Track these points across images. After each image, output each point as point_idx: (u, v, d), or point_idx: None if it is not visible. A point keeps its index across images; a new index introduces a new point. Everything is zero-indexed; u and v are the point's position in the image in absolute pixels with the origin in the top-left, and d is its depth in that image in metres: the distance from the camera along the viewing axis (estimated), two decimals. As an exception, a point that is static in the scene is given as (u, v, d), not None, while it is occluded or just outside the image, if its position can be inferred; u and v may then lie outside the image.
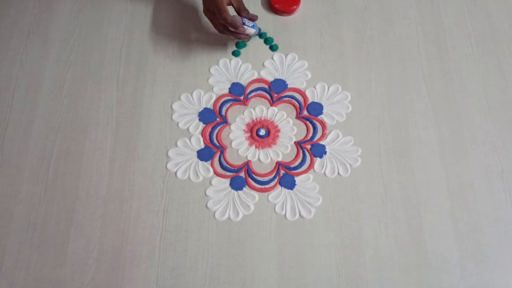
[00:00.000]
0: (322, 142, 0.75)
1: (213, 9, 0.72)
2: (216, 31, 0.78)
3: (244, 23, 0.74)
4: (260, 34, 0.83)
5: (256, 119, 0.77)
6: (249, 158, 0.74)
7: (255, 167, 0.74)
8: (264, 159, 0.74)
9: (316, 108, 0.77)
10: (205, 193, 0.72)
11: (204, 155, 0.74)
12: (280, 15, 0.85)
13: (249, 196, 0.71)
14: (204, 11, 0.76)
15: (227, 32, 0.75)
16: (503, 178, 0.73)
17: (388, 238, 0.69)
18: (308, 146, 0.75)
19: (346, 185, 0.72)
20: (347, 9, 0.86)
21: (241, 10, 0.76)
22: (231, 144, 0.75)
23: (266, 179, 0.73)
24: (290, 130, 0.76)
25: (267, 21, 0.84)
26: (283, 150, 0.75)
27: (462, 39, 0.83)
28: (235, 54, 0.81)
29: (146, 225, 0.70)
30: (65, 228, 0.69)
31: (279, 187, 0.72)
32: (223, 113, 0.77)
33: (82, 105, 0.78)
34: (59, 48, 0.82)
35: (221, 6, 0.71)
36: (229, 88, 0.79)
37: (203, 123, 0.77)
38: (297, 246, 0.69)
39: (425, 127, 0.76)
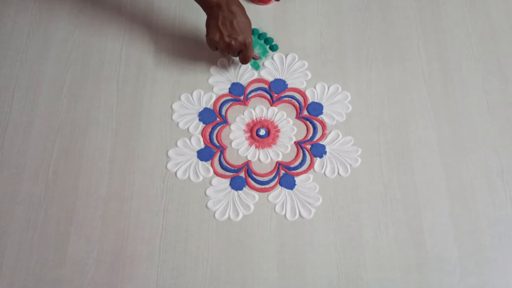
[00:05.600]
0: (322, 142, 0.75)
1: (239, 44, 0.71)
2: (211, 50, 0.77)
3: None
4: (260, 34, 0.83)
5: (256, 119, 0.77)
6: (249, 158, 0.74)
7: (255, 167, 0.74)
8: (264, 159, 0.74)
9: (316, 108, 0.78)
10: (205, 193, 0.72)
11: (204, 155, 0.74)
12: (256, 3, 0.85)
13: (249, 196, 0.71)
14: (215, 37, 0.70)
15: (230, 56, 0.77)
16: (503, 178, 0.73)
17: (388, 238, 0.69)
18: (308, 146, 0.75)
19: (346, 185, 0.72)
20: (347, 9, 0.86)
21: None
22: (231, 144, 0.75)
23: (266, 179, 0.73)
24: (290, 130, 0.76)
25: (267, 20, 0.84)
26: (283, 150, 0.75)
27: (462, 39, 0.83)
28: (235, 54, 0.82)
29: (146, 225, 0.70)
30: (65, 228, 0.69)
31: (279, 187, 0.72)
32: (223, 113, 0.77)
33: (82, 105, 0.78)
34: (59, 48, 0.82)
35: (251, 43, 0.72)
36: (229, 88, 0.79)
37: (203, 123, 0.77)
38: (297, 246, 0.69)
39: (425, 127, 0.76)
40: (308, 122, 0.77)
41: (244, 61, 0.75)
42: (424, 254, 0.68)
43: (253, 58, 0.78)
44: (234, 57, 0.79)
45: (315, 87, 0.79)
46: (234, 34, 0.70)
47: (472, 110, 0.78)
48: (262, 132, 0.76)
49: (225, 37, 0.70)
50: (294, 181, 0.72)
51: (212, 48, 0.74)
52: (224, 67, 0.80)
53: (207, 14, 0.72)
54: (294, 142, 0.75)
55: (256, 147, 0.75)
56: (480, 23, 0.85)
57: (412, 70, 0.81)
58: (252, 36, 0.73)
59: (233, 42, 0.70)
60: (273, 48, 0.82)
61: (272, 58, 0.81)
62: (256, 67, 0.80)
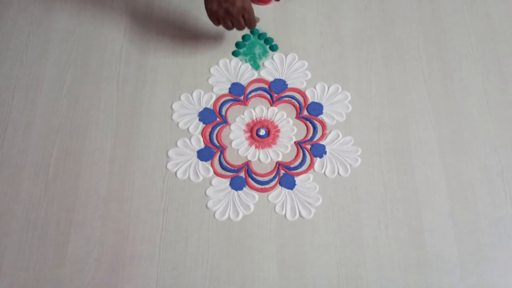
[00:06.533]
0: (322, 142, 0.75)
1: (238, 9, 0.70)
2: (213, 25, 0.75)
3: None
4: (260, 34, 0.83)
5: (256, 119, 0.77)
6: (249, 158, 0.74)
7: (255, 167, 0.74)
8: (264, 159, 0.74)
9: (316, 108, 0.78)
10: (205, 193, 0.72)
11: (204, 155, 0.74)
12: (256, 3, 0.85)
13: (249, 196, 0.71)
14: (213, 7, 0.71)
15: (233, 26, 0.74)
16: (503, 178, 0.73)
17: (388, 238, 0.69)
18: (308, 146, 0.75)
19: (346, 185, 0.72)
20: (347, 9, 0.86)
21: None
22: (231, 144, 0.75)
23: (266, 179, 0.73)
24: (290, 130, 0.76)
25: (267, 20, 0.84)
26: (283, 150, 0.75)
27: (462, 39, 0.83)
28: (235, 54, 0.81)
29: (146, 225, 0.70)
30: (65, 228, 0.69)
31: (279, 187, 0.72)
32: (223, 113, 0.77)
33: (82, 105, 0.78)
34: (59, 48, 0.82)
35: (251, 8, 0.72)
36: (229, 88, 0.79)
37: (203, 123, 0.77)
38: (297, 246, 0.69)
39: (425, 127, 0.76)
40: (308, 122, 0.77)
41: (250, 25, 0.74)
42: (424, 254, 0.68)
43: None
44: (239, 29, 0.76)
45: (315, 87, 0.79)
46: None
47: (472, 110, 0.78)
48: (262, 132, 0.76)
49: (222, 3, 0.69)
50: (294, 181, 0.72)
51: (214, 21, 0.73)
52: (224, 67, 0.80)
53: None
54: (294, 142, 0.75)
55: (256, 147, 0.75)
56: (480, 23, 0.85)
57: (412, 70, 0.81)
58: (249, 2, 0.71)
59: (230, 8, 0.70)
60: (273, 48, 0.82)
61: (272, 58, 0.81)
62: (256, 67, 0.80)
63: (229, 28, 0.73)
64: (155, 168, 0.73)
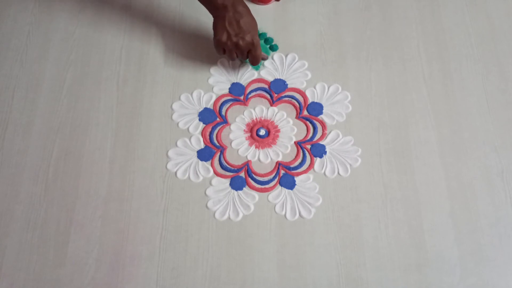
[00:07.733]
0: (322, 142, 0.75)
1: (246, 44, 0.71)
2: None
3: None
4: (260, 34, 0.83)
5: (256, 119, 0.77)
6: (249, 158, 0.74)
7: (255, 167, 0.74)
8: (264, 159, 0.74)
9: (316, 108, 0.78)
10: (205, 193, 0.72)
11: (204, 155, 0.74)
12: (256, 3, 0.85)
13: (249, 196, 0.71)
14: (223, 38, 0.71)
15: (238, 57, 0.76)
16: (503, 178, 0.73)
17: (388, 238, 0.69)
18: (308, 146, 0.75)
19: (346, 185, 0.72)
20: (347, 9, 0.86)
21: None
22: (231, 144, 0.75)
23: (266, 179, 0.73)
24: (290, 130, 0.76)
25: (267, 20, 0.84)
26: (283, 150, 0.75)
27: (462, 39, 0.83)
28: (235, 54, 0.81)
29: (146, 225, 0.70)
30: (65, 228, 0.69)
31: (279, 187, 0.72)
32: (223, 113, 0.77)
33: (82, 105, 0.78)
34: (59, 48, 0.82)
35: (258, 41, 0.72)
36: (229, 88, 0.79)
37: (203, 123, 0.77)
38: (297, 246, 0.69)
39: (425, 127, 0.76)
40: (308, 122, 0.77)
41: (254, 61, 0.74)
42: (424, 254, 0.68)
43: (261, 58, 0.78)
44: (242, 60, 0.78)
45: (315, 87, 0.79)
46: (241, 33, 0.70)
47: (472, 110, 0.78)
48: (262, 132, 0.76)
49: (233, 37, 0.70)
50: (294, 181, 0.72)
51: (219, 51, 0.74)
52: (224, 67, 0.80)
53: (213, 16, 0.72)
54: (294, 142, 0.75)
55: (256, 147, 0.75)
56: (480, 23, 0.85)
57: (412, 70, 0.81)
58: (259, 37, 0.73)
59: (240, 42, 0.70)
60: (273, 48, 0.82)
61: (272, 58, 0.81)
62: (256, 67, 0.80)
63: (233, 59, 0.76)
64: (155, 168, 0.73)
